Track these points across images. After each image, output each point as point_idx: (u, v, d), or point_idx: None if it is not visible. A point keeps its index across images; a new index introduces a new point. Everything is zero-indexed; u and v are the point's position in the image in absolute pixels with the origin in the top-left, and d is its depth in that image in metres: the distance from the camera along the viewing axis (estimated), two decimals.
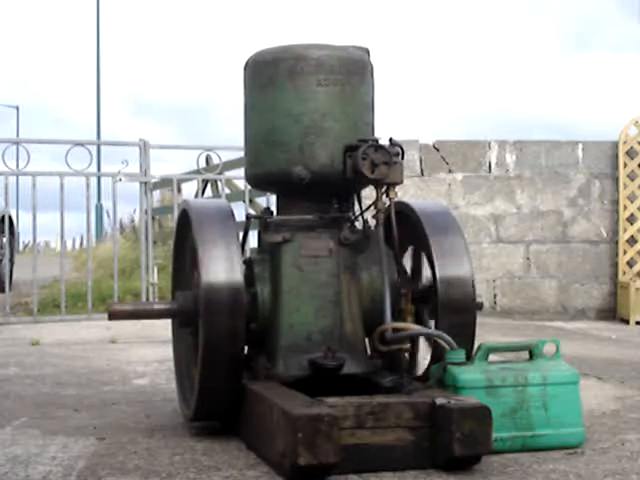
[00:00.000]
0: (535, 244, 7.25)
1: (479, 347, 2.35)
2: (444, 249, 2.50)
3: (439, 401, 2.10)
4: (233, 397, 2.42)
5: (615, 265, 7.29)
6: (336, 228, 2.56)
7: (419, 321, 2.54)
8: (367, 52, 2.62)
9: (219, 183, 8.57)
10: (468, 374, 2.28)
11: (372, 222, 2.57)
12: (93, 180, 7.39)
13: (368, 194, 2.68)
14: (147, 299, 6.44)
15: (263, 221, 2.59)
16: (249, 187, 5.87)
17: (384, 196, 2.50)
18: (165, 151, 7.41)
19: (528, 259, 7.25)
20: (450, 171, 7.17)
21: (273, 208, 2.73)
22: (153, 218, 8.31)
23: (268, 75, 2.55)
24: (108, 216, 17.41)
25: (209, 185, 10.25)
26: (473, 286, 2.51)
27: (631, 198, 7.30)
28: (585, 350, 4.67)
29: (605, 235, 7.33)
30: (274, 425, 2.10)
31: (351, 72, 2.54)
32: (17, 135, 31.83)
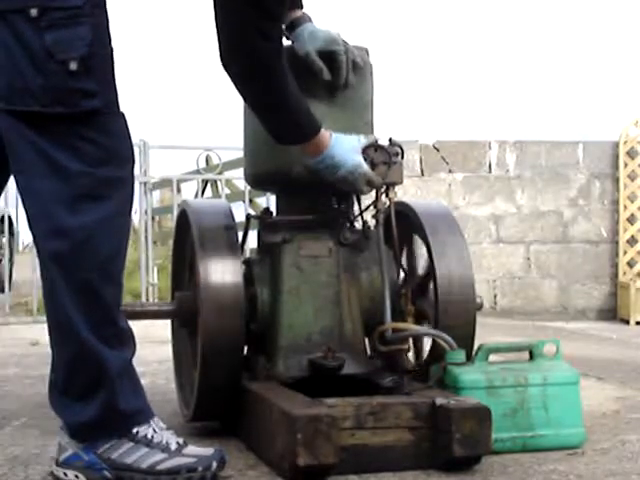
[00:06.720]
0: (535, 244, 7.26)
1: (479, 347, 2.35)
2: (444, 249, 2.50)
3: (439, 401, 2.09)
4: (233, 397, 2.41)
5: (615, 265, 7.30)
6: (336, 228, 2.55)
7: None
8: (367, 52, 2.61)
9: (219, 183, 8.57)
10: (468, 374, 2.28)
11: (372, 222, 2.56)
12: None
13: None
14: (147, 299, 6.43)
15: (263, 221, 2.59)
16: (249, 187, 5.87)
17: (384, 196, 2.49)
18: (165, 151, 7.40)
19: (528, 259, 7.26)
20: (450, 171, 7.17)
21: (273, 208, 2.73)
22: (153, 218, 8.31)
23: None
24: None
25: (209, 185, 10.25)
26: (473, 286, 2.50)
27: (631, 198, 7.31)
28: (585, 350, 4.67)
29: (605, 235, 7.34)
30: (273, 425, 2.10)
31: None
32: None
